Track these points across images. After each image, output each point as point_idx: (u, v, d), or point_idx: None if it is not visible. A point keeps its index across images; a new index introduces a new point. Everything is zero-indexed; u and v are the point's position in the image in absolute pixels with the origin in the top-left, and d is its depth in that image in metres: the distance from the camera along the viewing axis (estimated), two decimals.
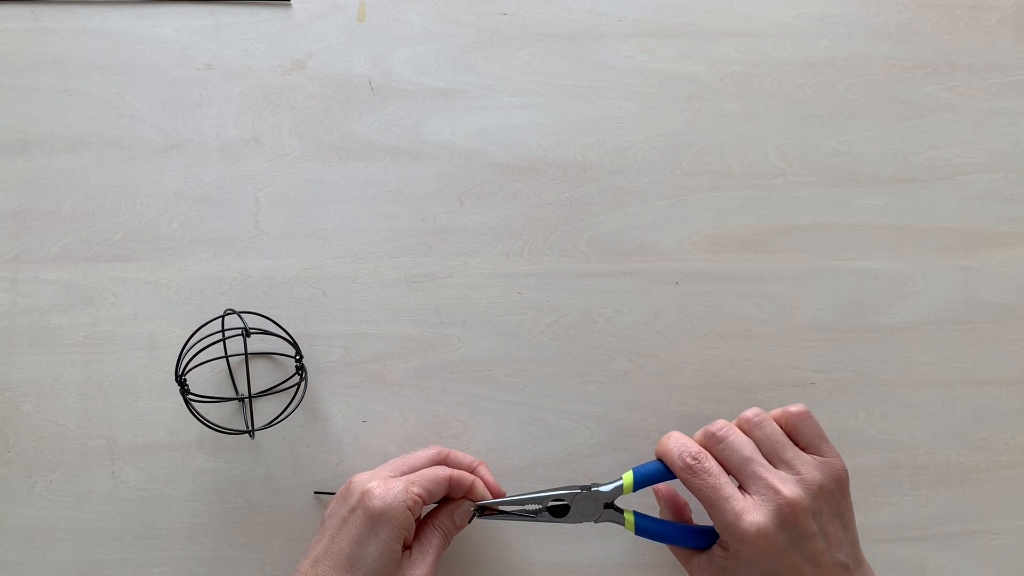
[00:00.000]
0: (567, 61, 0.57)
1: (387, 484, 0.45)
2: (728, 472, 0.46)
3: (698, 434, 0.48)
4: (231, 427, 0.52)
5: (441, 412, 0.54)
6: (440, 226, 0.55)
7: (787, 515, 0.43)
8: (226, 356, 0.51)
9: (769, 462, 0.46)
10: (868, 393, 0.55)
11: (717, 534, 0.46)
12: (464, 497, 0.48)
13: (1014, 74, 0.58)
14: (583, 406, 0.54)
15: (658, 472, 0.48)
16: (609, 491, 0.48)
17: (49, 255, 0.54)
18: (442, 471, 0.47)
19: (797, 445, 0.47)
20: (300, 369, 0.52)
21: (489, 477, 0.50)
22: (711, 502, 0.44)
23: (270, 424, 0.52)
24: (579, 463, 0.54)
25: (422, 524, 0.47)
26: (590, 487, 0.48)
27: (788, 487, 0.44)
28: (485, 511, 0.48)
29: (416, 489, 0.45)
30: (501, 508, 0.48)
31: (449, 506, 0.48)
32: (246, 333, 0.50)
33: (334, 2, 0.57)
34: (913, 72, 0.58)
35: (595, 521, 0.48)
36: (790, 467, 0.45)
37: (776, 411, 0.48)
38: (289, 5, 0.57)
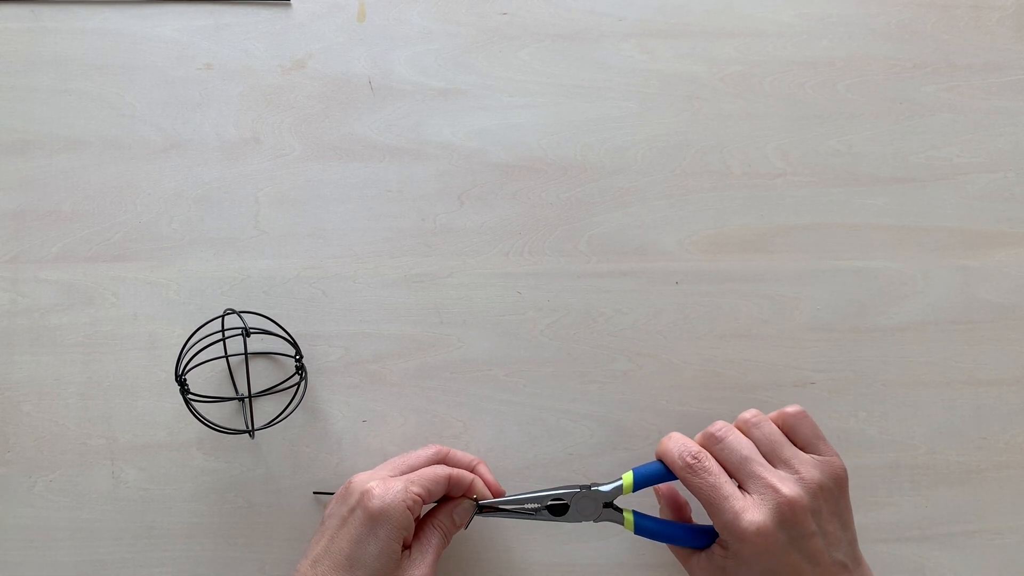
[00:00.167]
0: (567, 61, 0.57)
1: (386, 484, 0.45)
2: (727, 472, 0.46)
3: (698, 436, 0.48)
4: (231, 427, 0.52)
5: (441, 412, 0.54)
6: (440, 226, 0.55)
7: (786, 513, 0.43)
8: (226, 356, 0.51)
9: (768, 462, 0.46)
10: (868, 393, 0.55)
11: (717, 533, 0.46)
12: (464, 496, 0.48)
13: (1014, 74, 0.58)
14: (583, 406, 0.54)
15: (658, 473, 0.48)
16: (609, 491, 0.48)
17: (49, 255, 0.54)
18: (441, 470, 0.48)
19: (795, 445, 0.47)
20: (300, 369, 0.52)
21: (488, 475, 0.50)
22: (710, 501, 0.45)
23: (270, 424, 0.52)
24: (579, 463, 0.54)
25: (422, 523, 0.47)
26: (590, 487, 0.48)
27: (787, 486, 0.44)
28: (485, 509, 0.48)
29: (415, 488, 0.46)
30: (501, 507, 0.48)
31: (449, 505, 0.48)
32: (246, 333, 0.50)
33: (334, 2, 0.57)
34: (913, 72, 0.58)
35: (594, 520, 0.48)
36: (789, 466, 0.45)
37: (773, 413, 0.48)
38: (289, 5, 0.57)
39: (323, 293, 0.55)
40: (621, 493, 0.48)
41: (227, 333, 0.50)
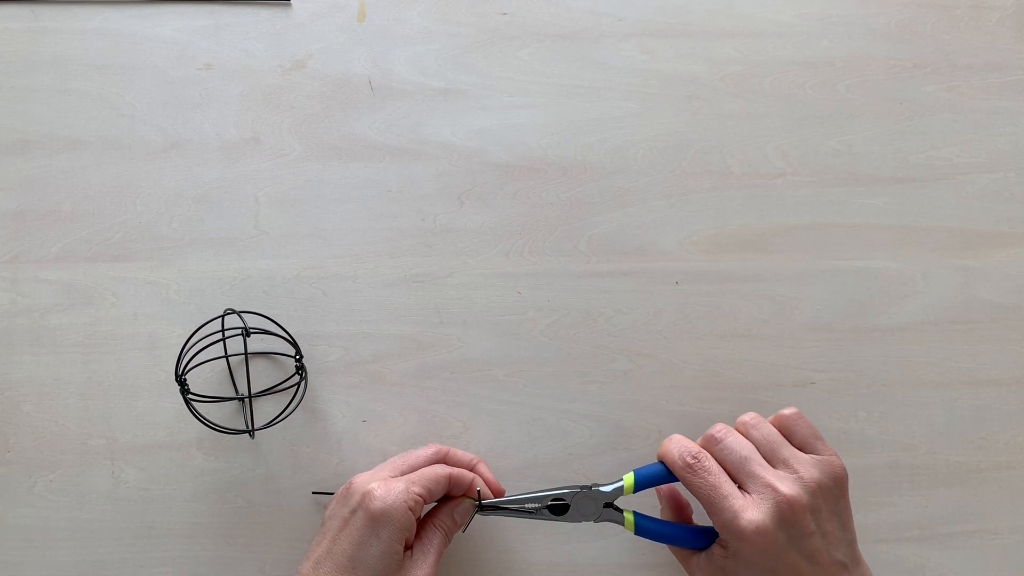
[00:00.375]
0: (567, 61, 0.57)
1: (388, 485, 0.45)
2: (727, 472, 0.46)
3: (699, 440, 0.48)
4: (231, 427, 0.52)
5: (441, 412, 0.54)
6: (440, 226, 0.55)
7: (786, 513, 0.43)
8: (226, 356, 0.51)
9: (767, 462, 0.46)
10: (868, 393, 0.55)
11: (717, 534, 0.46)
12: (464, 495, 0.48)
13: (1014, 74, 0.58)
14: (583, 406, 0.54)
15: (659, 474, 0.48)
16: (609, 491, 0.48)
17: (49, 255, 0.54)
18: (442, 470, 0.48)
19: (793, 446, 0.47)
20: (300, 369, 0.52)
21: (488, 474, 0.50)
22: (710, 500, 0.45)
23: (270, 424, 0.52)
24: (579, 463, 0.54)
25: (423, 523, 0.47)
26: (591, 487, 0.48)
27: (786, 485, 0.44)
28: (485, 508, 0.48)
29: (417, 489, 0.46)
30: (501, 505, 0.48)
31: (449, 504, 0.48)
32: (246, 333, 0.50)
33: (334, 2, 0.57)
34: (913, 72, 0.58)
35: (595, 520, 0.48)
36: (788, 466, 0.45)
37: (770, 417, 0.49)
38: (289, 5, 0.57)
39: (323, 293, 0.55)
40: (622, 494, 0.48)
41: (227, 333, 0.50)
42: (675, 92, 0.57)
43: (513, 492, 0.49)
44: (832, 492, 0.45)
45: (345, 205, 0.55)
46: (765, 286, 0.56)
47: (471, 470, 0.50)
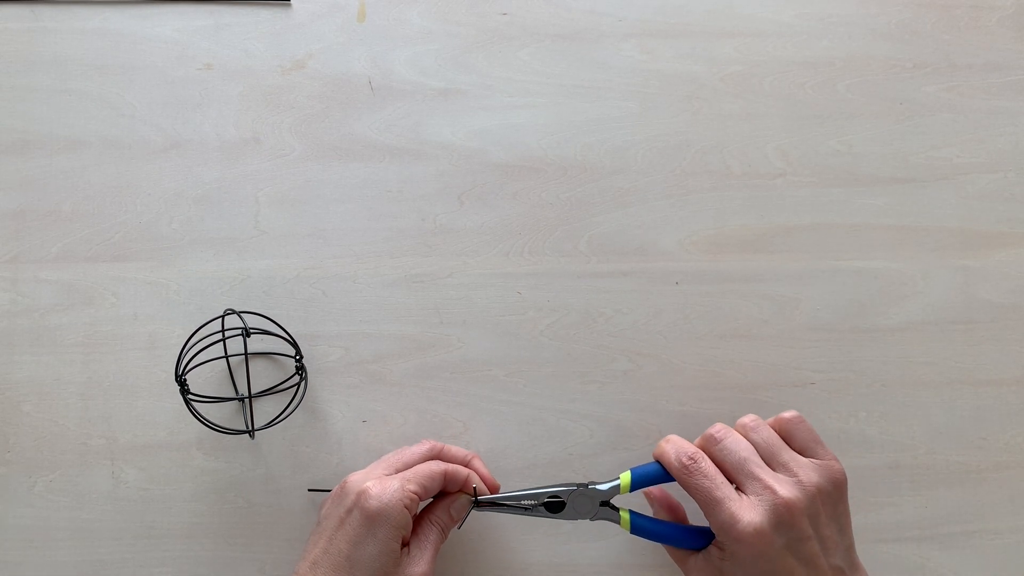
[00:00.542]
0: (567, 61, 0.57)
1: (383, 484, 0.45)
2: (725, 473, 0.46)
3: (697, 440, 0.48)
4: (231, 427, 0.52)
5: (441, 412, 0.54)
6: (440, 226, 0.55)
7: (783, 516, 0.43)
8: (226, 356, 0.51)
9: (766, 464, 0.46)
10: (868, 393, 0.55)
11: (713, 534, 0.46)
12: (460, 491, 0.48)
13: (1014, 74, 0.58)
14: (583, 406, 0.54)
15: (656, 473, 0.48)
16: (606, 490, 0.48)
17: (49, 255, 0.54)
18: (437, 466, 0.47)
19: (793, 450, 0.47)
20: (300, 369, 0.52)
21: (483, 469, 0.50)
22: (707, 502, 0.44)
23: (270, 424, 0.52)
24: (579, 463, 0.54)
25: (419, 520, 0.47)
26: (587, 485, 0.48)
27: (785, 488, 0.44)
28: (481, 504, 0.48)
29: (412, 487, 0.45)
30: (497, 502, 0.48)
31: (445, 500, 0.48)
32: (246, 333, 0.50)
33: (334, 2, 0.57)
34: (913, 72, 0.58)
35: (591, 519, 0.48)
36: (787, 469, 0.45)
37: (770, 420, 0.49)
38: (289, 5, 0.57)
39: (323, 293, 0.55)
40: (618, 492, 0.48)
41: (227, 333, 0.50)
42: (675, 92, 0.57)
43: (511, 491, 0.49)
44: (831, 497, 0.45)
45: (345, 205, 0.55)
46: (765, 286, 0.56)
47: (466, 466, 0.49)
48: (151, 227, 0.55)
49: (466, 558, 0.53)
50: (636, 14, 0.58)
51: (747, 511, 0.43)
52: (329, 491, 0.49)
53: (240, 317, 0.51)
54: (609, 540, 0.53)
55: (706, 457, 0.46)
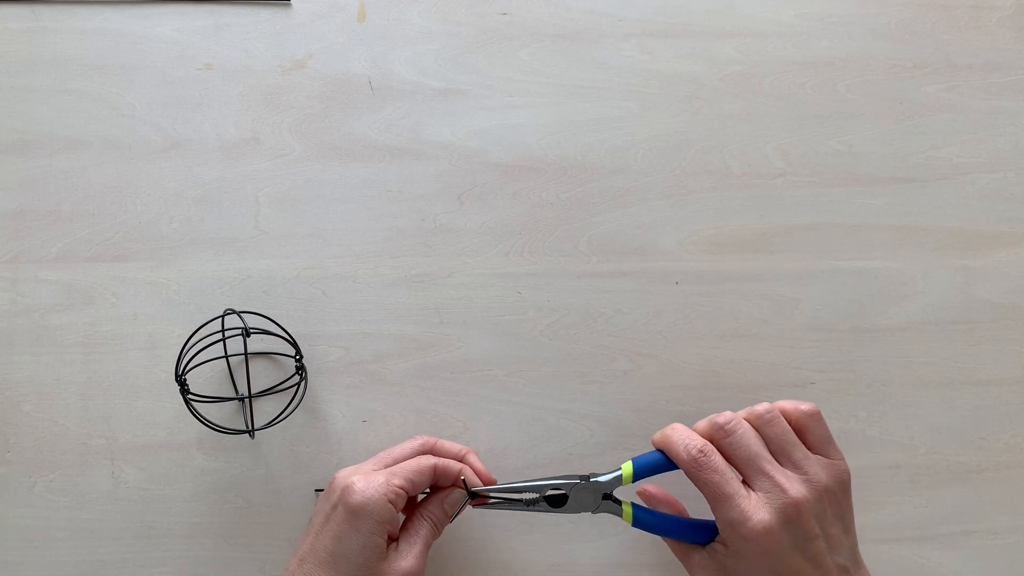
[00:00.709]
0: (567, 61, 0.57)
1: (368, 478, 0.45)
2: (734, 465, 0.45)
3: (703, 423, 0.47)
4: (231, 427, 0.52)
5: (441, 412, 0.54)
6: (440, 226, 0.55)
7: (792, 515, 0.43)
8: (226, 356, 0.51)
9: (776, 460, 0.45)
10: (868, 393, 0.55)
11: (716, 529, 0.45)
12: (454, 485, 0.48)
13: (1014, 74, 0.58)
14: (583, 406, 0.54)
15: (658, 462, 0.47)
16: (608, 481, 0.47)
17: (49, 255, 0.54)
18: (426, 460, 0.47)
19: (804, 444, 0.46)
20: (300, 369, 0.52)
21: (479, 464, 0.49)
22: (716, 497, 0.44)
23: (270, 424, 0.52)
24: (579, 463, 0.54)
25: (411, 514, 0.47)
26: (588, 477, 0.47)
27: (795, 487, 0.43)
28: (477, 499, 0.48)
29: (398, 481, 0.45)
30: (495, 497, 0.47)
31: (439, 495, 0.48)
32: (246, 333, 0.50)
33: (334, 2, 0.57)
34: (913, 72, 0.58)
35: (592, 512, 0.47)
36: (797, 467, 0.45)
37: (786, 404, 0.47)
38: (289, 5, 0.57)
39: (323, 293, 0.55)
40: (620, 484, 0.47)
41: (227, 333, 0.50)
42: (675, 92, 0.57)
43: (508, 483, 0.49)
44: (837, 496, 0.45)
45: (345, 205, 0.55)
46: (765, 286, 0.56)
47: (460, 460, 0.49)
48: (151, 227, 0.55)
49: (466, 558, 0.53)
50: (636, 14, 0.58)
51: (756, 509, 0.43)
52: None
53: (240, 317, 0.51)
54: (610, 539, 0.53)
55: (715, 451, 0.45)
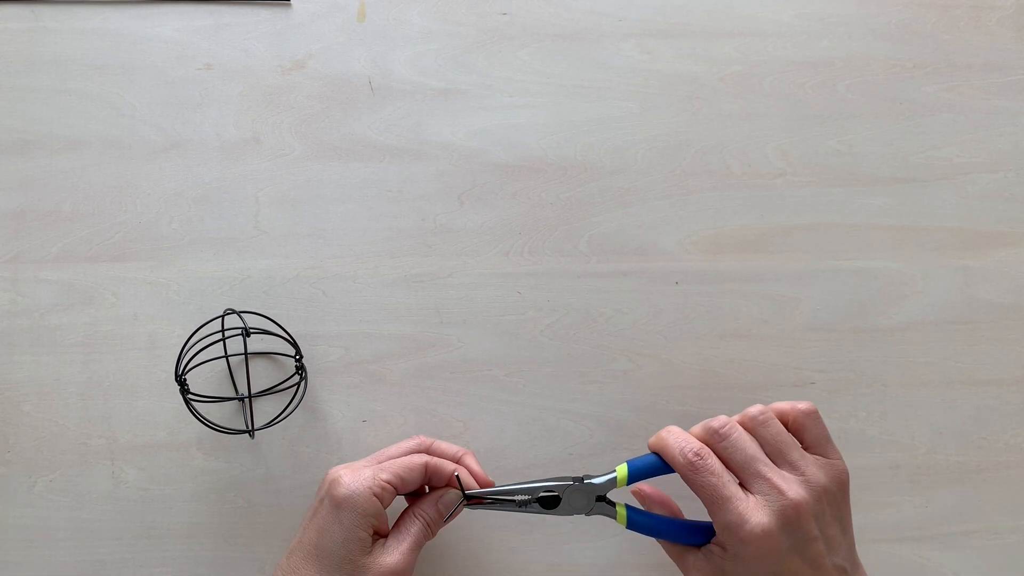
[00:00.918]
0: (567, 61, 0.57)
1: (355, 472, 0.45)
2: (730, 469, 0.45)
3: (698, 428, 0.47)
4: (231, 427, 0.52)
5: (441, 412, 0.54)
6: (440, 226, 0.55)
7: (791, 517, 0.42)
8: (226, 356, 0.51)
9: (772, 461, 0.45)
10: (868, 393, 0.55)
11: (712, 530, 0.45)
12: (448, 485, 0.48)
13: (1014, 74, 0.58)
14: (583, 406, 0.54)
15: (654, 465, 0.47)
16: (601, 483, 0.47)
17: (49, 255, 0.54)
18: (417, 459, 0.47)
19: (802, 444, 0.46)
20: (300, 369, 0.52)
21: (475, 466, 0.49)
22: (713, 500, 0.44)
23: (270, 424, 0.52)
24: (579, 463, 0.54)
25: (404, 512, 0.47)
26: (582, 479, 0.47)
27: (793, 488, 0.43)
28: (472, 500, 0.47)
29: (385, 476, 0.45)
30: (489, 498, 0.47)
31: (433, 495, 0.47)
32: (246, 333, 0.50)
33: (334, 2, 0.57)
34: (913, 72, 0.58)
35: (586, 514, 0.47)
36: (795, 468, 0.44)
37: (783, 404, 0.47)
38: (289, 5, 0.57)
39: (323, 293, 0.55)
40: (615, 486, 0.47)
41: (227, 333, 0.50)
42: (675, 92, 0.57)
43: (502, 485, 0.49)
44: (836, 497, 0.44)
45: (345, 205, 0.55)
46: (765, 286, 0.56)
47: (457, 462, 0.49)
48: (151, 227, 0.55)
49: (466, 558, 0.53)
50: (636, 14, 0.58)
51: (754, 512, 0.43)
52: None
53: (240, 317, 0.51)
54: (609, 539, 0.53)
55: (712, 454, 0.45)
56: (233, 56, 0.56)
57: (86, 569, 0.52)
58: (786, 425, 0.46)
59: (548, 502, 0.47)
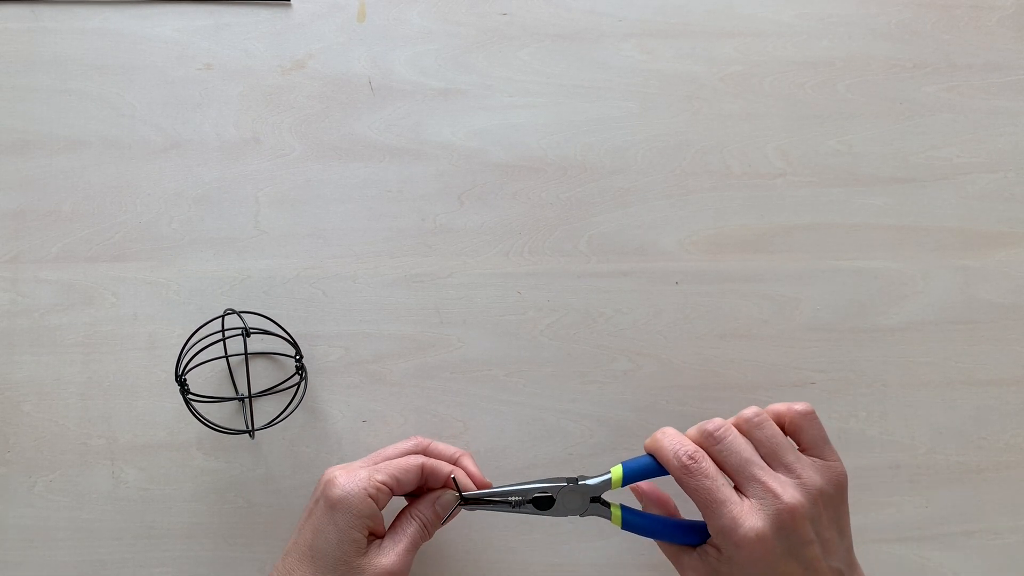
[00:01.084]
0: (567, 61, 0.57)
1: (350, 473, 0.45)
2: (725, 472, 0.44)
3: (693, 431, 0.46)
4: (231, 427, 0.52)
5: (441, 412, 0.54)
6: (440, 226, 0.55)
7: (786, 521, 0.42)
8: (226, 356, 0.51)
9: (767, 464, 0.44)
10: (868, 393, 0.55)
11: (707, 530, 0.45)
12: (445, 487, 0.47)
13: (1014, 74, 0.58)
14: (583, 406, 0.54)
15: (649, 467, 0.46)
16: (596, 484, 0.47)
17: (49, 255, 0.54)
18: (413, 459, 0.47)
19: (799, 446, 0.46)
20: (300, 369, 0.52)
21: (473, 468, 0.49)
22: (707, 503, 0.43)
23: (270, 424, 0.52)
24: (579, 463, 0.54)
25: (400, 513, 0.47)
26: (577, 480, 0.47)
27: (788, 492, 0.43)
28: (469, 502, 0.47)
29: (380, 477, 0.45)
30: (485, 499, 0.47)
31: (430, 496, 0.47)
32: (246, 333, 0.50)
33: (334, 2, 0.57)
34: (913, 72, 0.58)
35: (580, 515, 0.47)
36: (790, 470, 0.44)
37: (780, 406, 0.46)
38: (289, 5, 0.57)
39: (323, 293, 0.55)
40: (610, 487, 0.47)
41: (227, 333, 0.50)
42: (675, 92, 0.57)
43: (498, 487, 0.49)
44: (833, 499, 0.44)
45: (345, 205, 0.55)
46: (765, 286, 0.56)
47: (454, 463, 0.49)
48: (151, 227, 0.55)
49: (465, 558, 0.53)
50: (636, 14, 0.58)
51: (749, 515, 0.42)
52: None
53: (240, 317, 0.51)
54: (609, 539, 0.53)
55: (706, 456, 0.44)
56: (233, 56, 0.56)
57: (86, 569, 0.52)
58: (783, 427, 0.46)
59: (542, 503, 0.47)
